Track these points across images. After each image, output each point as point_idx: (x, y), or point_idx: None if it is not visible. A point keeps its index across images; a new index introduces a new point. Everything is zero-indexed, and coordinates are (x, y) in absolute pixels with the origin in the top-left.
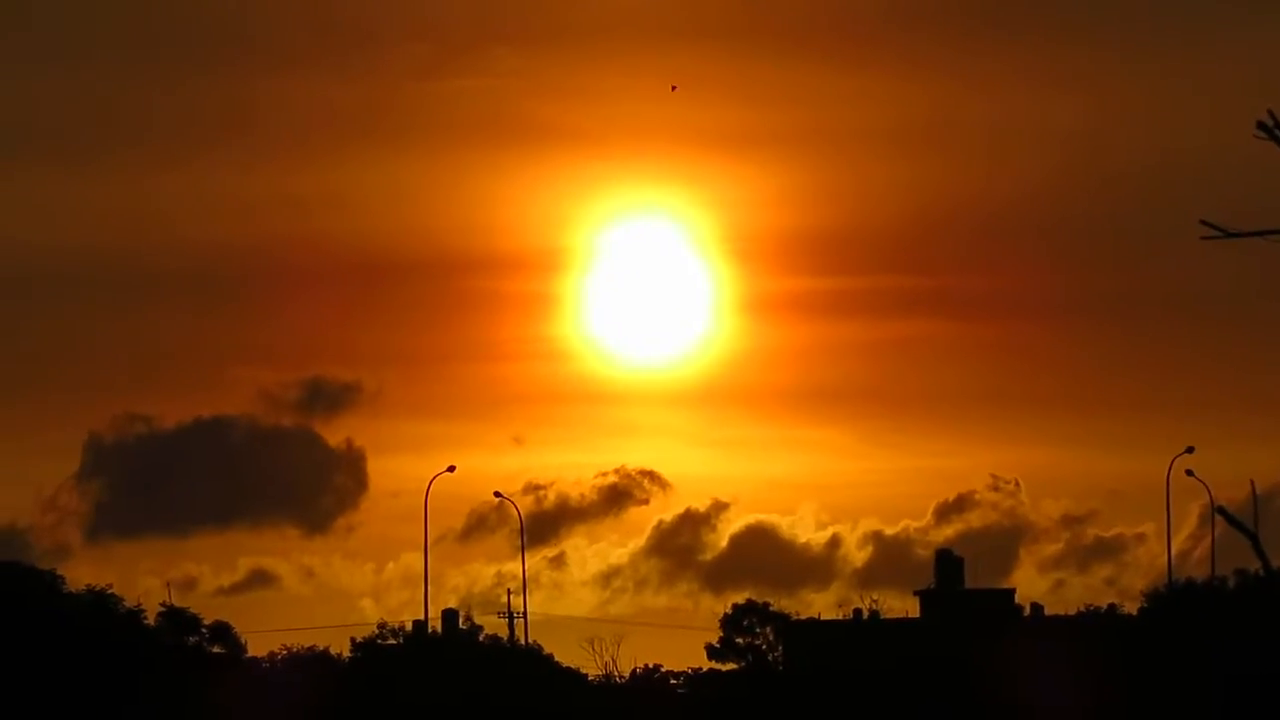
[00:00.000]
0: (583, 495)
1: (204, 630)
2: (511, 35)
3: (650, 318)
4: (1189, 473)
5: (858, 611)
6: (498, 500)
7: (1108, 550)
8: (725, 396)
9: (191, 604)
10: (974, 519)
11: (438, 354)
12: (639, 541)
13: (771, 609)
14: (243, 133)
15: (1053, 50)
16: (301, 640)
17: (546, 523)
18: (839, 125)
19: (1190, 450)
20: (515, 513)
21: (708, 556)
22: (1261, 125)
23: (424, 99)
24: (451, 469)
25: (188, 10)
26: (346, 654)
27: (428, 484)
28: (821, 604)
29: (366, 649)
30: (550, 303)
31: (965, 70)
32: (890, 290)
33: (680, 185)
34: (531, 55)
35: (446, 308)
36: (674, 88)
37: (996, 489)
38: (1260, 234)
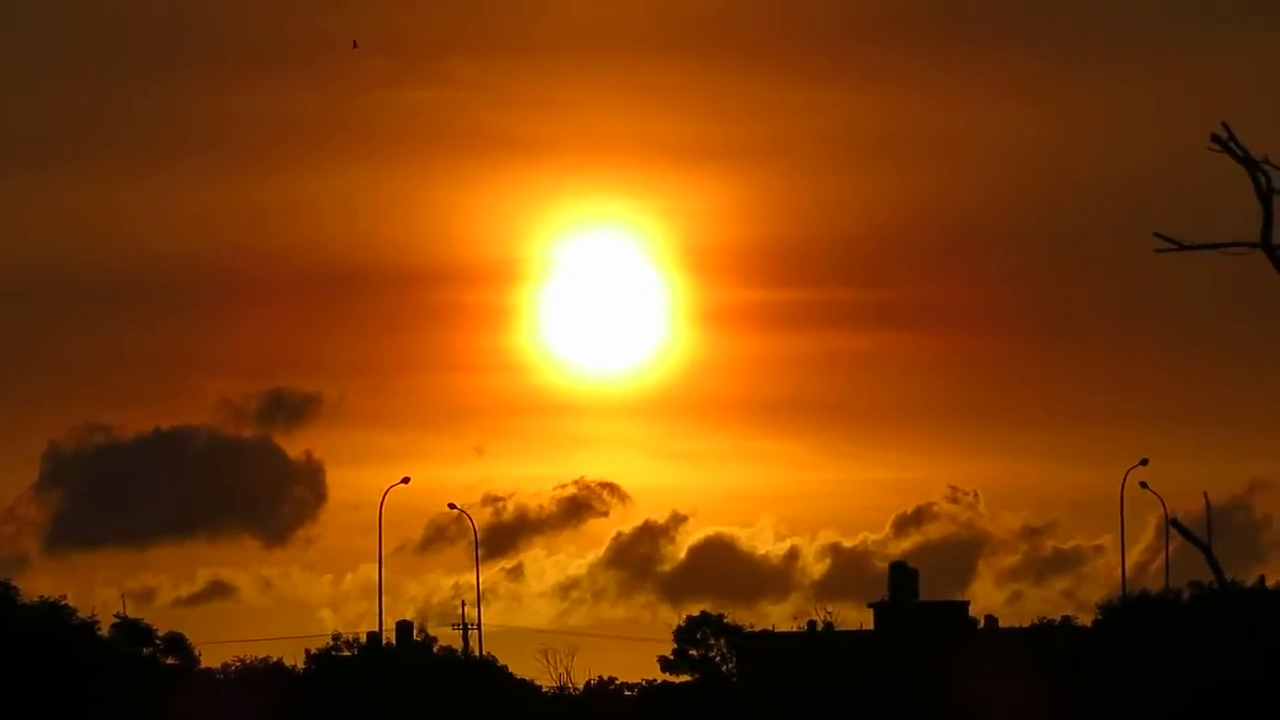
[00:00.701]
0: (541, 507)
1: (158, 641)
2: (470, 47)
3: (606, 329)
4: (1143, 485)
5: (812, 624)
6: (455, 512)
7: (1065, 562)
8: (682, 408)
9: (150, 614)
10: (932, 531)
11: (395, 365)
12: (597, 553)
13: (725, 621)
14: (203, 143)
15: (1008, 62)
16: (257, 651)
17: (505, 534)
18: (796, 137)
19: (1144, 463)
20: (466, 524)
21: (666, 568)
22: (1215, 138)
23: (383, 110)
24: (406, 480)
25: (148, 21)
26: (301, 665)
27: (382, 495)
28: (779, 616)
29: (320, 660)
30: (506, 314)
31: (922, 82)
32: (847, 302)
33: (636, 197)
34: (490, 67)
35: (403, 319)
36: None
37: (955, 500)
38: (1214, 246)
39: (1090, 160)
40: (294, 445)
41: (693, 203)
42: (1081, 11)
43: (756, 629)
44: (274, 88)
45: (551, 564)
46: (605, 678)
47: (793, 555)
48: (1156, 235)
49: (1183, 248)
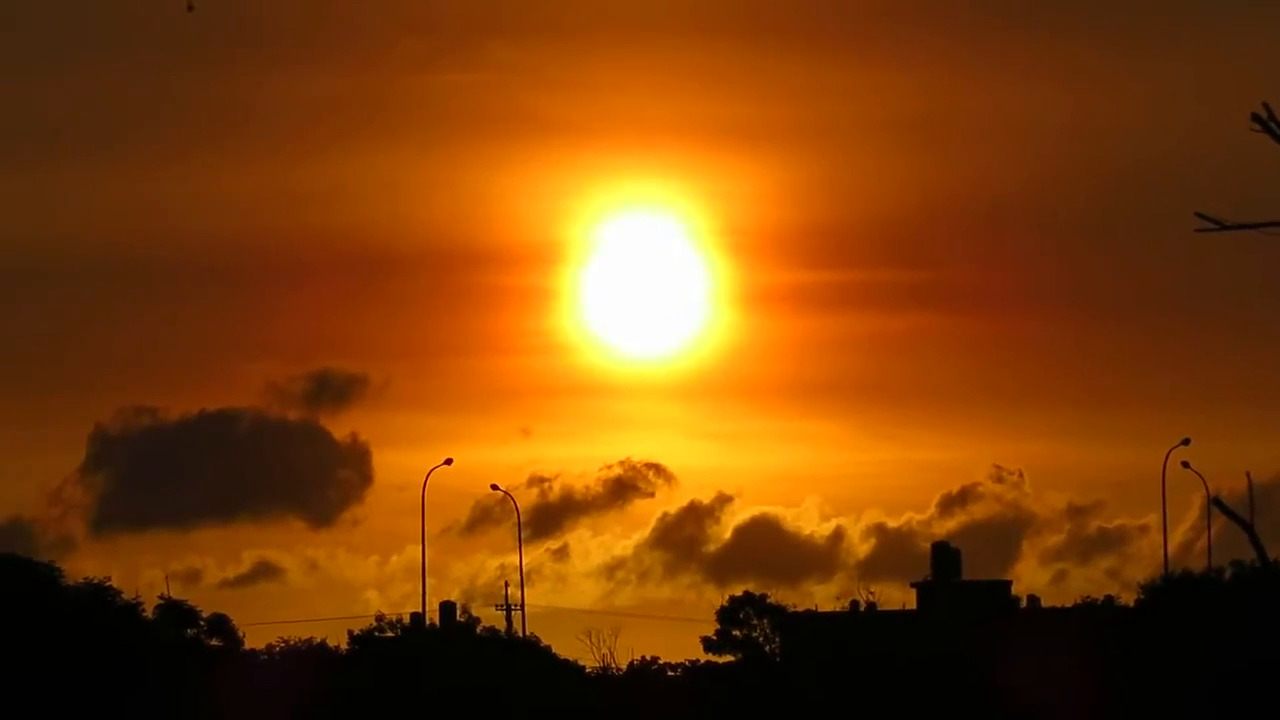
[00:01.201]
0: (587, 488)
1: (202, 623)
2: (507, 29)
3: (647, 311)
4: (1185, 465)
5: (854, 603)
6: (505, 493)
7: (1110, 542)
8: (724, 389)
9: (195, 596)
10: (977, 511)
11: (438, 347)
12: (643, 534)
13: (768, 601)
14: (245, 128)
15: (1049, 43)
16: (302, 632)
17: (551, 515)
18: (837, 118)
19: (1186, 442)
20: (510, 505)
21: (711, 549)
22: (1256, 117)
23: (421, 93)
24: (449, 462)
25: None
26: (345, 647)
27: (425, 477)
28: (824, 596)
29: (363, 641)
30: (548, 296)
31: (962, 63)
32: (888, 283)
33: (677, 178)
34: (527, 49)
35: (446, 301)
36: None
37: (1000, 480)
38: (1254, 226)
39: (1131, 140)
40: (339, 428)
41: (733, 184)
42: None
43: (799, 609)
44: (313, 72)
45: (597, 544)
46: (648, 658)
47: (838, 536)
48: (1197, 215)
49: (1223, 227)
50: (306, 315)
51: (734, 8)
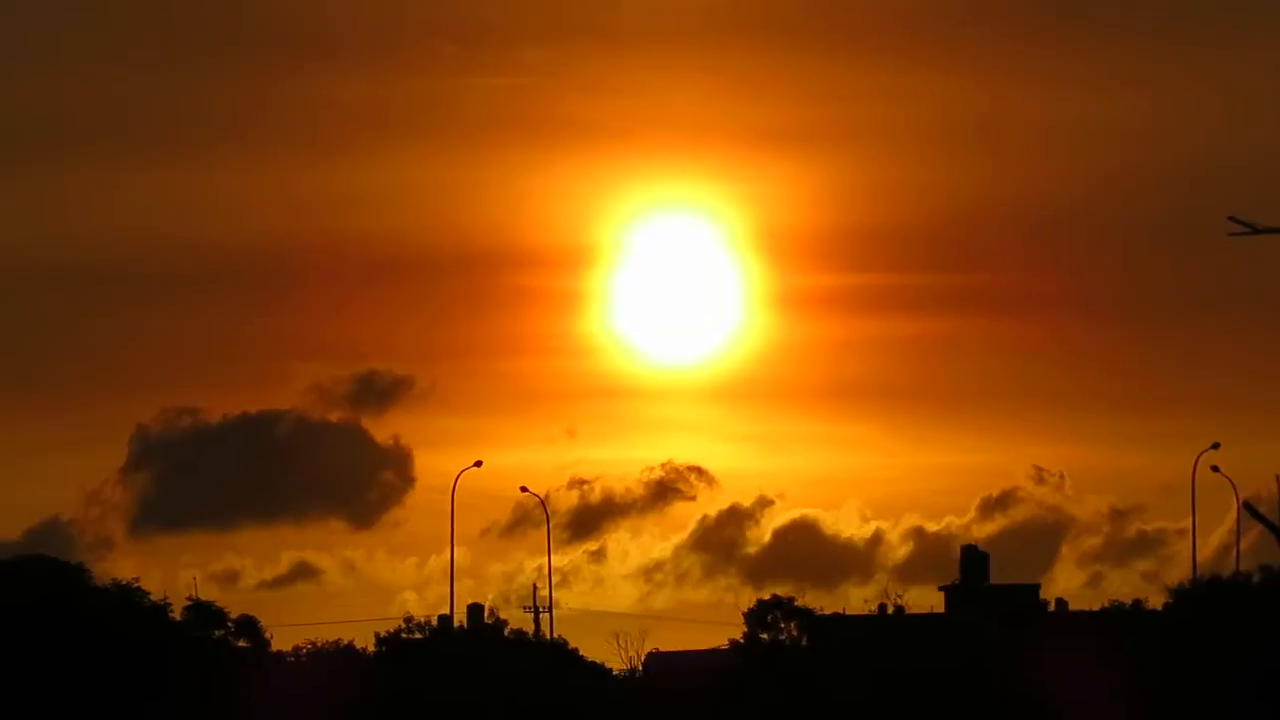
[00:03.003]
0: (628, 490)
1: (230, 624)
2: (540, 33)
3: (680, 313)
4: (1215, 469)
5: (883, 607)
6: (533, 495)
7: (1149, 545)
8: (761, 392)
9: (233, 597)
10: (1017, 514)
11: (478, 350)
12: (682, 536)
13: (796, 604)
14: (285, 131)
15: (1089, 49)
16: (330, 634)
17: (591, 517)
18: (873, 122)
19: (1216, 446)
20: (549, 507)
21: (751, 551)
22: None
23: (454, 97)
24: (479, 464)
25: (226, 12)
26: (372, 649)
27: (455, 479)
28: (858, 599)
29: (389, 643)
30: (586, 299)
31: (999, 68)
32: (925, 287)
33: (709, 181)
34: (560, 53)
35: (485, 304)
36: None
37: (1041, 481)
38: None
39: (1169, 145)
40: (381, 429)
41: (768, 187)
42: None
43: (827, 611)
44: (351, 77)
45: (636, 546)
46: None
47: (876, 539)
48: (1230, 219)
49: (1256, 231)
50: (345, 318)
51: (769, 10)
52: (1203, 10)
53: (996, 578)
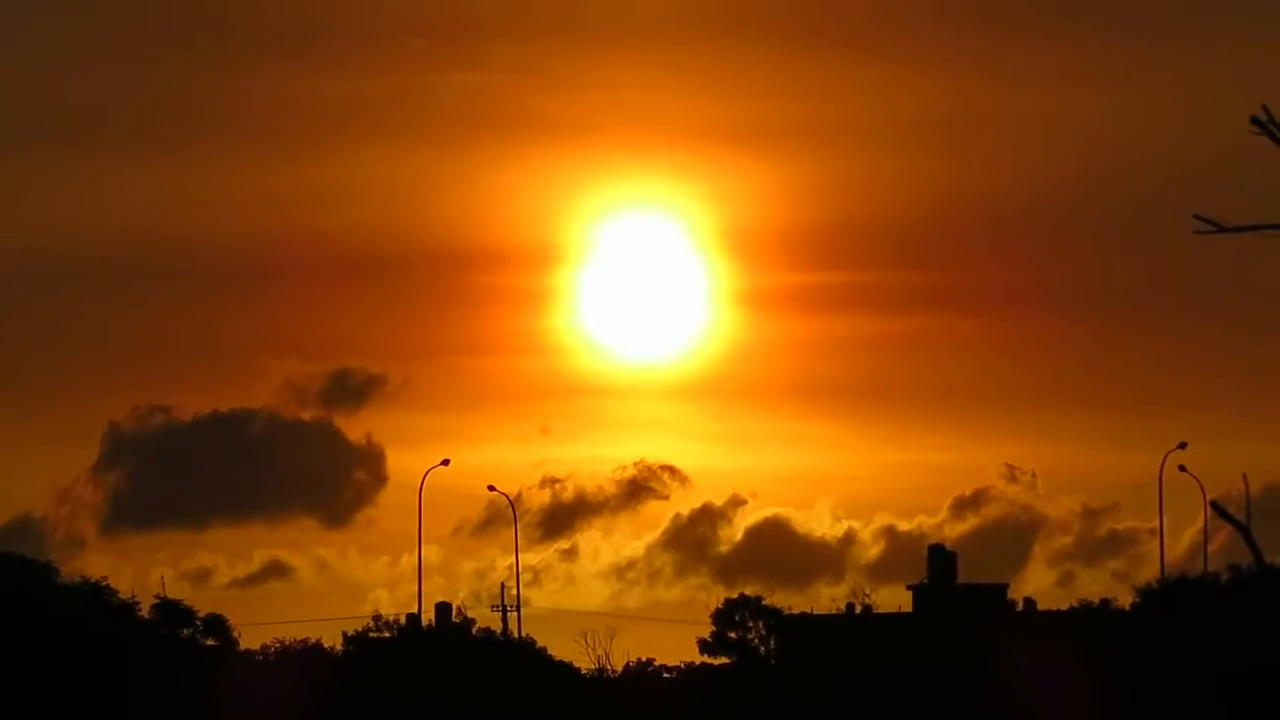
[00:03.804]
0: (600, 488)
1: (198, 623)
2: (506, 29)
3: (651, 311)
4: (1182, 468)
5: (850, 606)
6: (502, 494)
7: (1120, 544)
8: (731, 391)
9: (204, 595)
10: (990, 512)
11: (448, 348)
12: (654, 535)
13: (764, 603)
14: (251, 128)
15: (1063, 46)
16: (299, 633)
17: (563, 516)
18: (841, 119)
19: (1183, 446)
20: (521, 505)
21: (723, 550)
22: (1255, 120)
23: (423, 94)
24: (446, 462)
25: (197, 8)
26: (339, 647)
27: (422, 477)
28: (828, 599)
29: (357, 642)
30: (554, 297)
31: (963, 66)
32: (892, 285)
33: (675, 179)
34: (529, 50)
35: (454, 303)
36: None
37: (1014, 479)
38: (1255, 228)
39: (1138, 143)
40: (353, 428)
41: (734, 185)
42: None
43: (795, 611)
44: (317, 73)
45: (607, 545)
46: (644, 659)
47: (849, 538)
48: (1196, 217)
49: (1223, 230)
50: (317, 315)
51: (737, 8)
52: (1171, 7)
53: (966, 577)
